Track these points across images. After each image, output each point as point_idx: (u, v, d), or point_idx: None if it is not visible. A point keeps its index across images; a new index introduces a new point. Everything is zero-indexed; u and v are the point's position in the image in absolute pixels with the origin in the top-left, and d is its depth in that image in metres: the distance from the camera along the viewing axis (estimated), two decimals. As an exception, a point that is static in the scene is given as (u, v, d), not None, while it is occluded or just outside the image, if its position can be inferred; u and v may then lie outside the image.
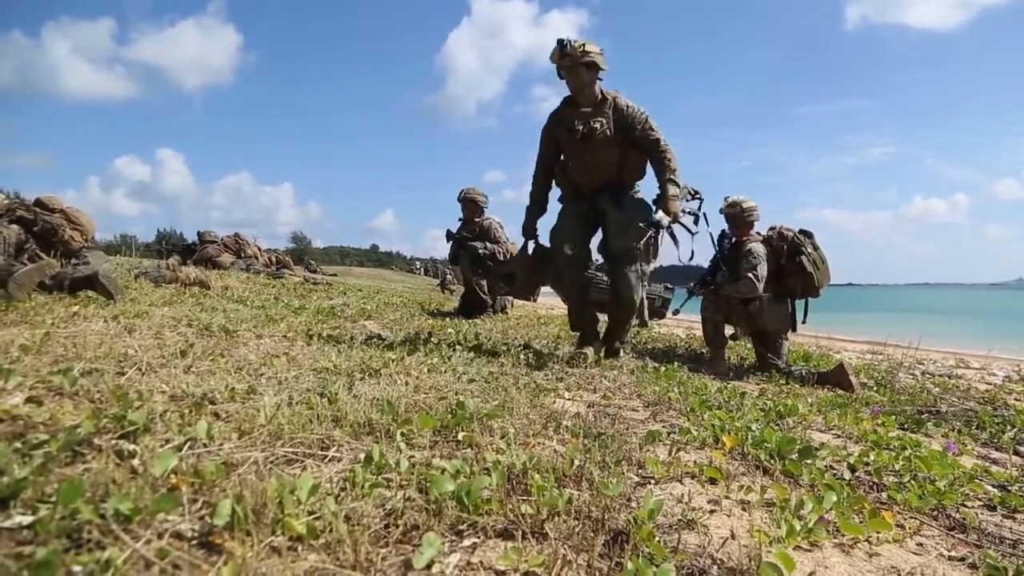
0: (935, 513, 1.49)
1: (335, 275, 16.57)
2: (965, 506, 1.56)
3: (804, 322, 4.37)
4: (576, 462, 1.37)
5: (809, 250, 4.17)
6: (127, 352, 2.04)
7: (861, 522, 1.30)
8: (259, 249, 11.21)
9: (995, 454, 2.31)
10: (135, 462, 1.09)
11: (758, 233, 4.37)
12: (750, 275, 4.10)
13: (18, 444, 1.07)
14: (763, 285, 4.12)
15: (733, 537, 1.14)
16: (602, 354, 3.68)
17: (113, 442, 1.17)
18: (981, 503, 1.64)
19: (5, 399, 1.34)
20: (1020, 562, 1.19)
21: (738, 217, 4.36)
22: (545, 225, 3.77)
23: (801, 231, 4.29)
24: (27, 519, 0.84)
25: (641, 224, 3.45)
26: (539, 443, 1.60)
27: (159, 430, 1.27)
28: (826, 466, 1.74)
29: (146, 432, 1.24)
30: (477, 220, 6.35)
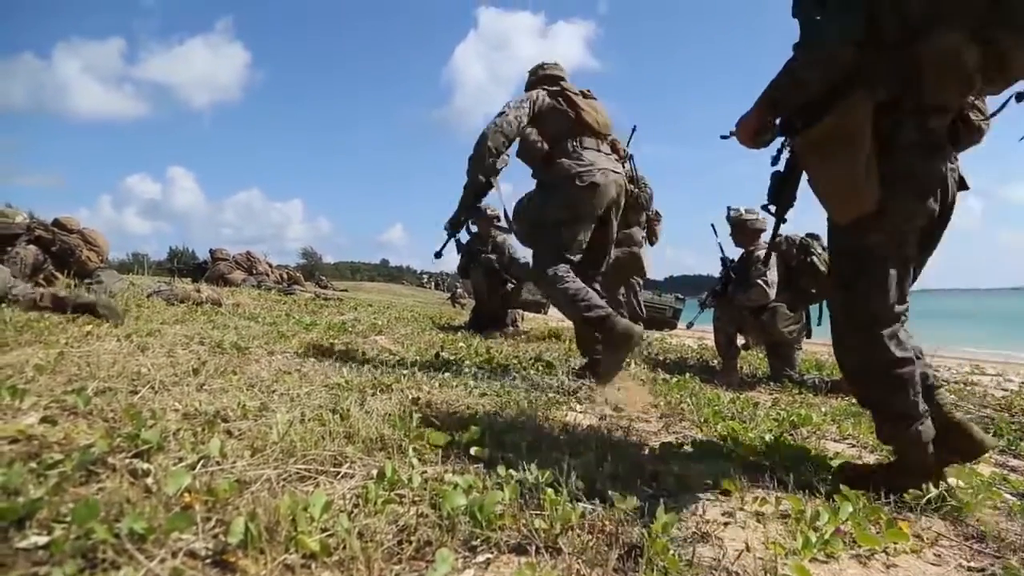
0: (953, 523, 1.47)
1: (346, 290, 16.64)
2: (983, 515, 1.54)
3: (820, 323, 4.33)
4: (589, 476, 1.37)
5: (818, 250, 4.15)
6: (140, 371, 2.06)
7: (878, 533, 1.28)
8: (270, 266, 11.32)
9: (1013, 462, 2.27)
10: (149, 481, 1.09)
11: (764, 242, 4.36)
12: (760, 282, 4.07)
13: (33, 464, 1.08)
14: (775, 291, 4.09)
15: (748, 549, 1.13)
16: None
17: (127, 461, 1.17)
18: (1000, 512, 1.61)
19: (20, 419, 1.35)
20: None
21: (742, 225, 4.35)
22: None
23: (808, 234, 4.29)
24: (42, 539, 0.84)
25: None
26: (552, 456, 1.59)
27: (172, 448, 1.28)
28: (841, 476, 1.72)
29: (159, 451, 1.24)
30: (492, 235, 6.33)
